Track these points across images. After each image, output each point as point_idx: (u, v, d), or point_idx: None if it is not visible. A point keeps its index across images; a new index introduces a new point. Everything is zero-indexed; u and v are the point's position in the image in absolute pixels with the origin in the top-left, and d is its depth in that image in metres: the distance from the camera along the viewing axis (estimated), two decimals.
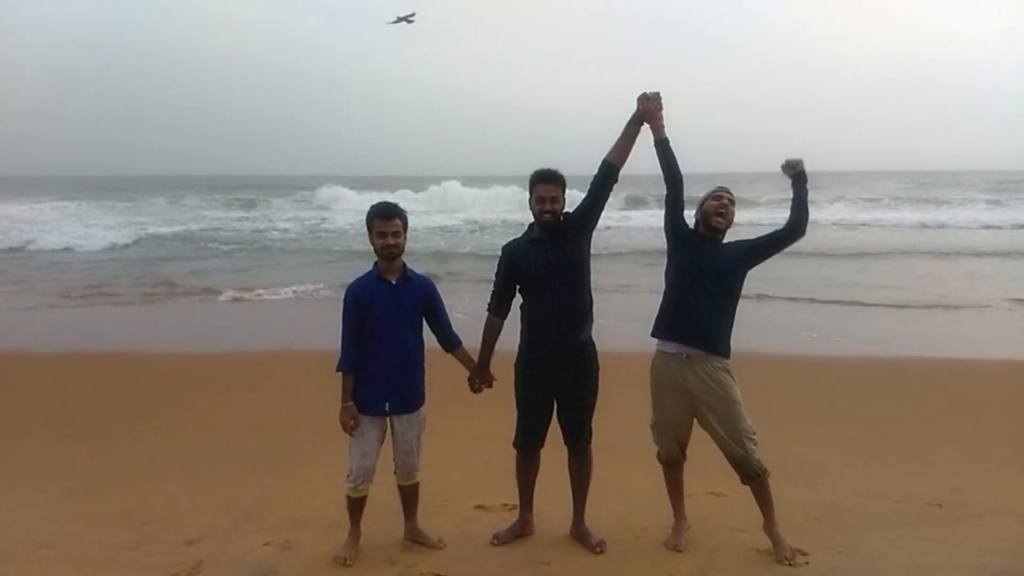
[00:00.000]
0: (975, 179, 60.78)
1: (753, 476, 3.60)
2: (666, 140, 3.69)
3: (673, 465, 3.83)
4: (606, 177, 3.68)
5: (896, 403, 6.44)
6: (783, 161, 3.69)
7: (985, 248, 18.71)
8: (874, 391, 6.79)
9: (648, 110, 3.66)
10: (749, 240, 3.73)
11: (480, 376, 3.80)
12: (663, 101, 3.67)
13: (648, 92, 3.69)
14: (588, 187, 3.71)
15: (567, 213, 3.71)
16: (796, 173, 3.65)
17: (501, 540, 3.82)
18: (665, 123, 3.68)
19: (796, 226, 3.62)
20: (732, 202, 3.74)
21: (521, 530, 3.88)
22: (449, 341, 3.84)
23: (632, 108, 3.69)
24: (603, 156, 3.71)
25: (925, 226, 26.09)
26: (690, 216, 3.81)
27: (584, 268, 3.69)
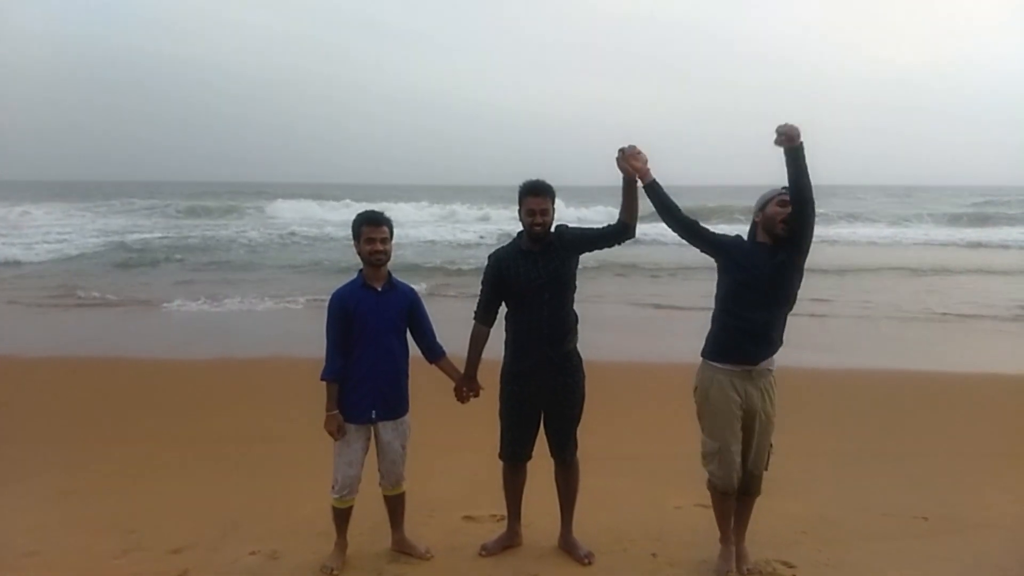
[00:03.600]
0: (962, 194, 61.30)
1: (756, 493, 3.63)
2: (654, 183, 3.56)
3: (730, 493, 3.57)
4: (620, 232, 3.66)
5: (883, 417, 6.46)
6: (778, 126, 3.22)
7: (966, 265, 18.86)
8: (861, 405, 6.81)
9: (624, 169, 3.54)
10: (789, 241, 3.40)
11: (468, 385, 3.79)
12: (639, 149, 3.54)
13: (622, 148, 3.56)
14: (602, 227, 3.71)
15: (561, 226, 3.73)
16: (793, 146, 3.22)
17: (489, 551, 3.81)
18: (650, 166, 3.54)
19: (807, 201, 3.27)
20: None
21: (509, 541, 3.88)
22: (432, 351, 3.82)
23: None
24: (618, 216, 3.67)
25: (914, 243, 26.27)
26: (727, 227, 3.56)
27: (572, 282, 3.71)
